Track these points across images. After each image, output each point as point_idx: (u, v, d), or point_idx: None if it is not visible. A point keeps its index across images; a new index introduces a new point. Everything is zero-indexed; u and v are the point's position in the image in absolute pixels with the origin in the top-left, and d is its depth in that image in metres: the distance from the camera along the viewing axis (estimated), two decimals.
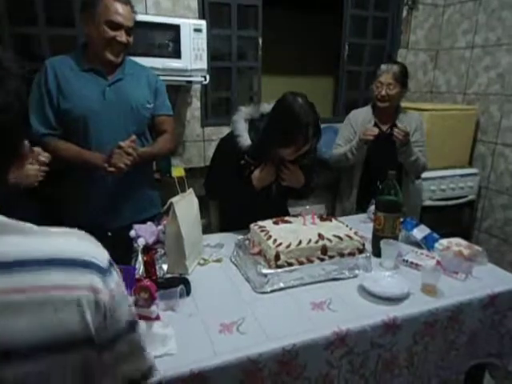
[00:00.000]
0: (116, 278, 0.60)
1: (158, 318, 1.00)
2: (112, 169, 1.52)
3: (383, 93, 2.15)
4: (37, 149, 1.49)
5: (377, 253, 1.49)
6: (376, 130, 2.11)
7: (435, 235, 1.61)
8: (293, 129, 1.47)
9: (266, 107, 1.63)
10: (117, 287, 0.59)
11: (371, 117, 2.25)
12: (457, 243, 1.53)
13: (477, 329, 1.30)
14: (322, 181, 2.70)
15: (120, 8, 1.52)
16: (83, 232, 0.61)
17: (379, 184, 1.55)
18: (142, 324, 0.99)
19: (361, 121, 2.26)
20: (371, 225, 1.61)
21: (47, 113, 1.57)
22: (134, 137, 1.58)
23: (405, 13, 3.18)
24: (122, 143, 1.52)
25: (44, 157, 1.50)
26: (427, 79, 3.42)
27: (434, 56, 3.39)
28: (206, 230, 1.80)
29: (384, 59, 3.09)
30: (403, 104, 2.38)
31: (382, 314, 1.15)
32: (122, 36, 1.55)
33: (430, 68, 3.41)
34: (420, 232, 1.61)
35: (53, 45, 2.26)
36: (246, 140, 1.58)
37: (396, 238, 1.50)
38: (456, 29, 3.19)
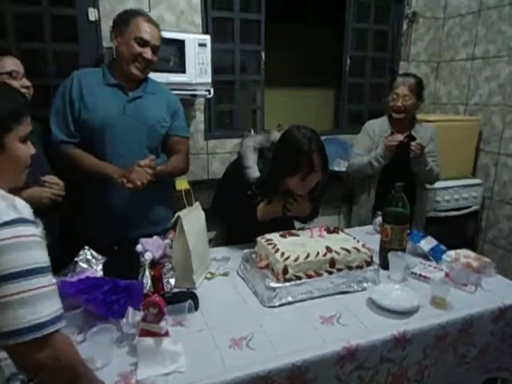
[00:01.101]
0: (10, 234, 0.70)
1: (167, 333, 1.00)
2: (130, 185, 1.55)
3: (399, 104, 2.18)
4: (55, 179, 1.53)
5: (384, 265, 1.48)
6: (400, 137, 2.14)
7: (442, 247, 1.61)
8: (295, 154, 1.46)
9: (277, 135, 1.61)
10: (6, 240, 0.70)
11: (388, 127, 2.28)
12: (465, 255, 1.52)
13: (488, 342, 1.28)
14: (335, 192, 2.73)
15: (149, 27, 1.65)
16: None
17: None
18: (151, 340, 0.98)
19: (378, 131, 2.29)
20: (377, 237, 1.60)
21: (68, 121, 1.63)
22: (152, 156, 1.63)
23: (405, 26, 3.22)
24: (141, 162, 1.57)
25: (59, 185, 1.53)
26: (429, 91, 3.44)
27: (434, 68, 3.42)
28: (212, 242, 1.80)
29: (386, 72, 3.14)
30: None
31: (391, 327, 1.14)
32: (148, 53, 1.65)
33: (431, 80, 3.43)
34: (427, 244, 1.61)
35: (57, 60, 2.30)
36: (254, 172, 1.59)
37: (403, 250, 1.50)
38: (456, 41, 3.23)
